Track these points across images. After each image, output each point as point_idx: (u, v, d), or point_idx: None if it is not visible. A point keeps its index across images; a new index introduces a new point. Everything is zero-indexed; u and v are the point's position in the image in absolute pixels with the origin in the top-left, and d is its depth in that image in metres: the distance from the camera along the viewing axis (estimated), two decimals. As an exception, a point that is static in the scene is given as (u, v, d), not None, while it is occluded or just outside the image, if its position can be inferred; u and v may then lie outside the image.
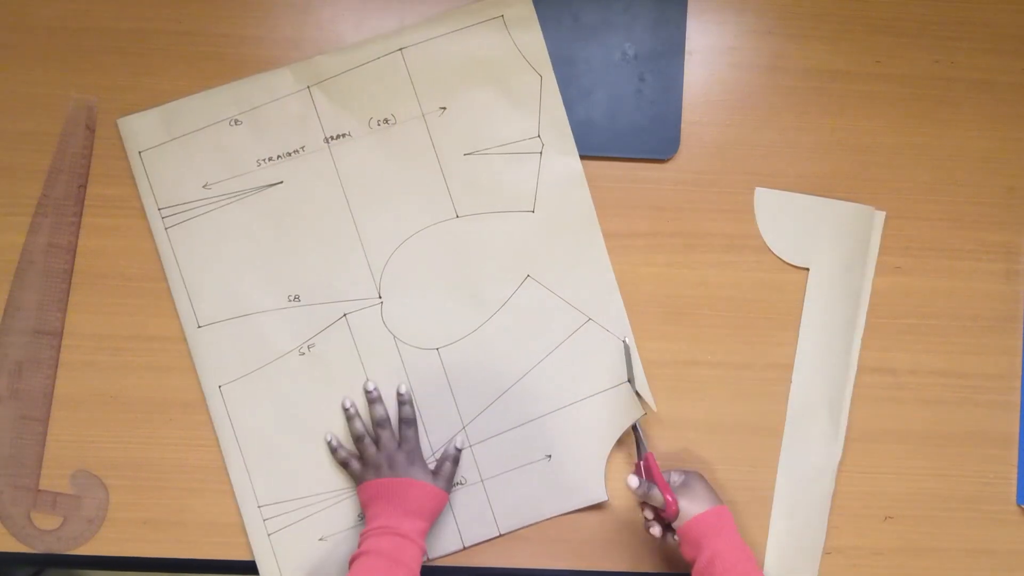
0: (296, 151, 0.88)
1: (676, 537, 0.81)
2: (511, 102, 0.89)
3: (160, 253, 0.88)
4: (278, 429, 0.87)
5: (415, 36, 0.89)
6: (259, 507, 0.87)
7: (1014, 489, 0.91)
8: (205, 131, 0.88)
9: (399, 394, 0.87)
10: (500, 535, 0.88)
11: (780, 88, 0.92)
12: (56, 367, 0.88)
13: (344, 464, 0.87)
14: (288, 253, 0.88)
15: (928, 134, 0.93)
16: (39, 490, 0.87)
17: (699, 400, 0.90)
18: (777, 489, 0.90)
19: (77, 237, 0.89)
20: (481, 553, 0.88)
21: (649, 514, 0.84)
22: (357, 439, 0.86)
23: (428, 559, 0.87)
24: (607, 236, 0.90)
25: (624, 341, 0.89)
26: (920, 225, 0.92)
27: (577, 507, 0.88)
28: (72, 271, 0.89)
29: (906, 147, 0.92)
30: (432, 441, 0.88)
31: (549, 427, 0.88)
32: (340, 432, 0.88)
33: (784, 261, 0.92)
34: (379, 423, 0.86)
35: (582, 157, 0.90)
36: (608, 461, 0.88)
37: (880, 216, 0.92)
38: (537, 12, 0.91)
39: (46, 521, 0.87)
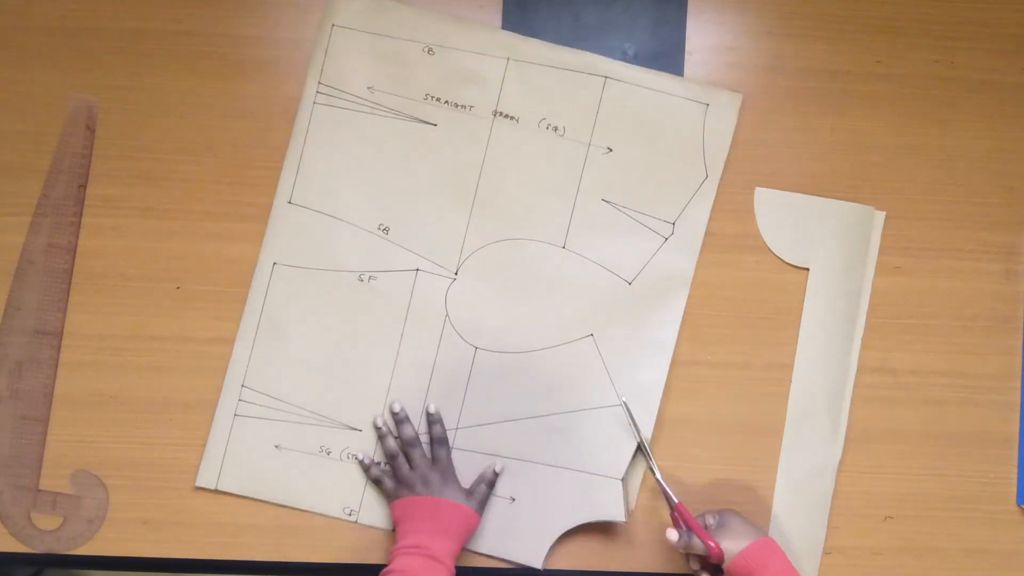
0: (464, 107, 0.89)
1: None
2: (669, 180, 0.89)
3: (295, 121, 0.88)
4: (300, 331, 0.88)
5: (624, 74, 0.89)
6: (243, 386, 0.87)
7: (1014, 489, 0.91)
8: (399, 42, 0.88)
9: (429, 413, 0.87)
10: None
11: (780, 88, 0.92)
12: (56, 367, 0.88)
13: (377, 481, 0.86)
14: (403, 188, 0.89)
15: (928, 134, 0.93)
16: (39, 490, 0.87)
17: (699, 400, 0.90)
18: (777, 489, 0.90)
19: (77, 237, 0.89)
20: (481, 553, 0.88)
21: (695, 564, 0.83)
22: (391, 457, 0.86)
23: None
24: (607, 236, 0.90)
25: (623, 402, 0.88)
26: (920, 225, 0.92)
27: (520, 556, 0.87)
28: (72, 271, 0.89)
29: (906, 147, 0.92)
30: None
31: (526, 471, 0.87)
32: (369, 449, 0.88)
33: (784, 261, 0.92)
34: (410, 443, 0.86)
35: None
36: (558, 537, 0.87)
37: (880, 216, 0.92)
38: (537, 12, 0.91)
39: (46, 521, 0.87)
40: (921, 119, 0.93)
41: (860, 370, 0.91)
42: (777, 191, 0.92)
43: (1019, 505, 0.91)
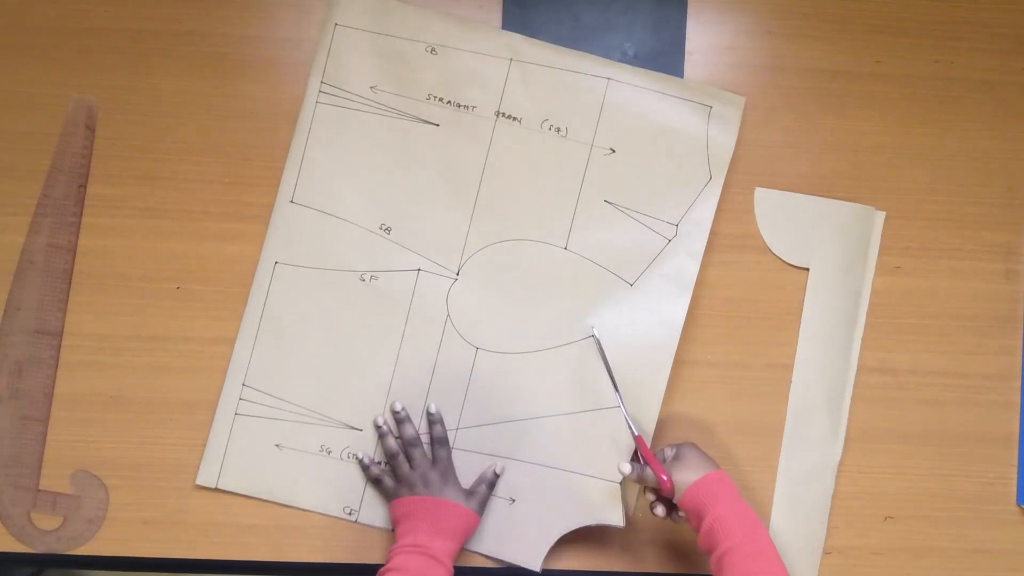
0: (467, 107, 0.89)
1: (681, 513, 0.81)
2: (672, 182, 0.89)
3: (298, 120, 0.88)
4: (301, 330, 0.88)
5: (627, 76, 0.89)
6: (244, 384, 0.87)
7: (1014, 489, 0.91)
8: (402, 42, 0.88)
9: (429, 413, 0.87)
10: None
11: (780, 88, 0.92)
12: (56, 367, 0.88)
13: (376, 481, 0.87)
14: (404, 187, 0.89)
15: (928, 134, 0.93)
16: (39, 490, 0.87)
17: (699, 400, 0.90)
18: (777, 489, 0.90)
19: (77, 237, 0.89)
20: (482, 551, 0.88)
21: (651, 496, 0.83)
22: (391, 456, 0.86)
23: None
24: (607, 236, 0.90)
25: (594, 334, 0.88)
26: (920, 225, 0.92)
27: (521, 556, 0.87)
28: (72, 271, 0.89)
29: (906, 147, 0.92)
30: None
31: (526, 472, 0.87)
32: (370, 449, 0.88)
33: (784, 261, 0.92)
34: (410, 442, 0.86)
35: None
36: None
37: (880, 216, 0.92)
38: (537, 12, 0.91)
39: (46, 521, 0.87)
40: (921, 119, 0.93)
41: (860, 370, 0.91)
42: (777, 191, 0.92)
43: (1019, 505, 0.91)
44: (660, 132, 0.89)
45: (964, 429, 0.91)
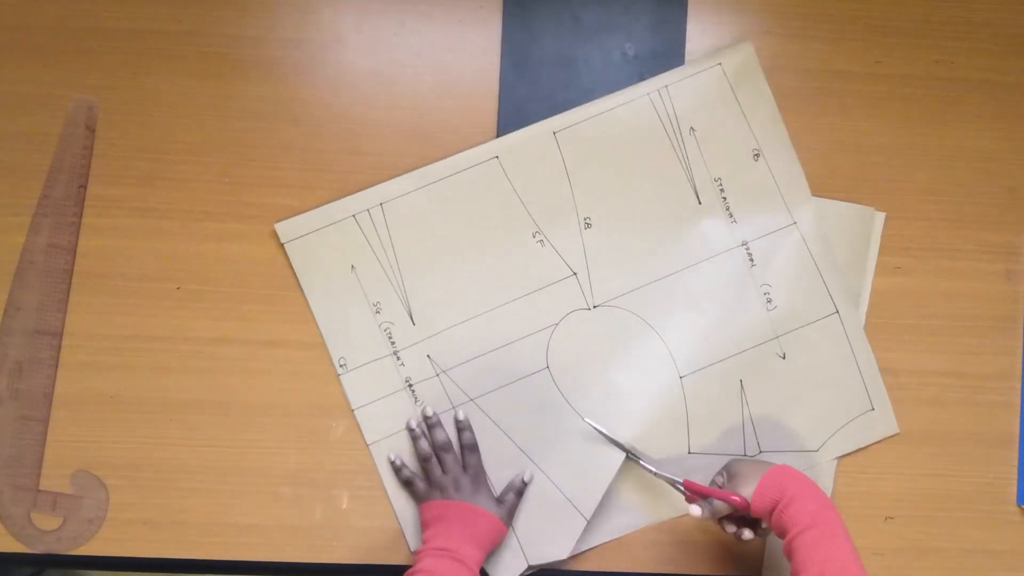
0: (732, 215, 0.90)
1: (764, 525, 0.80)
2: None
3: (612, 94, 0.90)
4: (451, 223, 0.89)
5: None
6: (380, 204, 0.89)
7: (1014, 489, 0.91)
8: (741, 121, 0.90)
9: (458, 420, 0.87)
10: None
11: (780, 88, 0.92)
12: (56, 367, 0.88)
13: (408, 483, 0.87)
14: (629, 212, 0.90)
15: (928, 134, 0.93)
16: (39, 490, 0.87)
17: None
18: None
19: (77, 237, 0.89)
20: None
21: (731, 527, 0.82)
22: (424, 459, 0.86)
23: None
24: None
25: (592, 424, 0.87)
26: (920, 225, 0.92)
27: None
28: (72, 271, 0.89)
29: (906, 147, 0.92)
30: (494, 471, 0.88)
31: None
32: (404, 453, 0.88)
33: (784, 261, 0.91)
34: (442, 447, 0.86)
35: (583, 157, 0.90)
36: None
37: (880, 217, 0.92)
38: (537, 12, 0.91)
39: (46, 521, 0.87)
40: (921, 119, 0.93)
41: (860, 370, 0.91)
42: (777, 191, 0.92)
43: (1019, 505, 0.91)
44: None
45: (964, 429, 0.91)
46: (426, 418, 0.87)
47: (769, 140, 0.90)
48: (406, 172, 0.89)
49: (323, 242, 0.88)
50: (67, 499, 0.87)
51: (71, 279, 0.89)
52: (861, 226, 0.92)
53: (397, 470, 0.87)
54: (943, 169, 0.93)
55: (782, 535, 0.75)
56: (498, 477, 0.88)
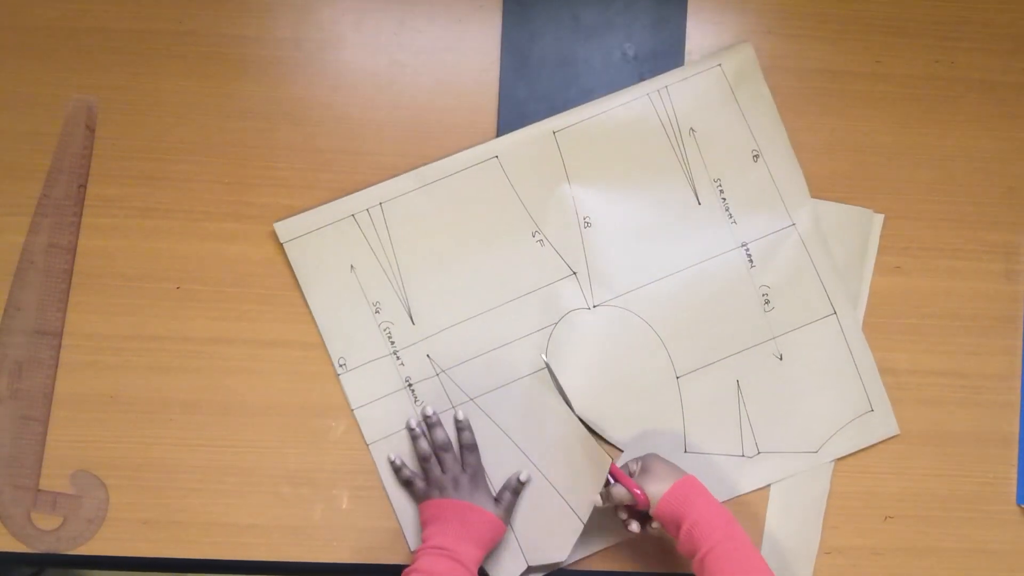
0: (731, 216, 0.90)
1: (655, 525, 0.81)
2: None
3: (613, 94, 0.90)
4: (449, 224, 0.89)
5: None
6: (380, 203, 0.89)
7: (1014, 489, 0.91)
8: (740, 123, 0.90)
9: (457, 420, 0.87)
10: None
11: (780, 88, 0.92)
12: (56, 367, 0.88)
13: (408, 483, 0.87)
14: (630, 211, 0.89)
15: (928, 134, 0.93)
16: (39, 490, 0.87)
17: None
18: (772, 491, 0.90)
19: (77, 237, 0.89)
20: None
21: (623, 514, 0.83)
22: (423, 458, 0.86)
23: None
24: (607, 236, 0.90)
25: (546, 362, 0.88)
26: (920, 225, 0.92)
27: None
28: (72, 271, 0.89)
29: (906, 147, 0.92)
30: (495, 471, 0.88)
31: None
32: (404, 453, 0.88)
33: (784, 261, 0.91)
34: (441, 446, 0.86)
35: (583, 157, 0.90)
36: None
37: (879, 219, 0.92)
38: (537, 12, 0.91)
39: (46, 521, 0.87)
40: (921, 119, 0.93)
41: (860, 370, 0.91)
42: (777, 191, 0.92)
43: (1019, 505, 0.91)
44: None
45: (964, 429, 0.91)
46: (426, 417, 0.87)
47: (768, 141, 0.90)
48: (406, 172, 0.89)
49: (322, 242, 0.88)
50: (67, 499, 0.87)
51: (71, 279, 0.89)
52: (860, 228, 0.92)
53: (397, 470, 0.87)
54: (943, 169, 0.93)
55: (692, 553, 0.76)
56: (497, 476, 0.88)
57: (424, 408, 0.87)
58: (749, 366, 0.89)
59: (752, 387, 0.89)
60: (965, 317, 0.92)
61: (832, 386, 0.90)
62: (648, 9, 0.92)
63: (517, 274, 0.89)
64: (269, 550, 0.88)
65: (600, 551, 0.89)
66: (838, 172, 0.92)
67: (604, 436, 0.87)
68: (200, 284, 0.89)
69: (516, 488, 0.86)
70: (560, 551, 0.86)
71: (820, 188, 0.91)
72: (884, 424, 0.90)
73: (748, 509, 0.89)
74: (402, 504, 0.88)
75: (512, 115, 0.91)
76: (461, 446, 0.86)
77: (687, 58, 0.91)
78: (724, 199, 0.90)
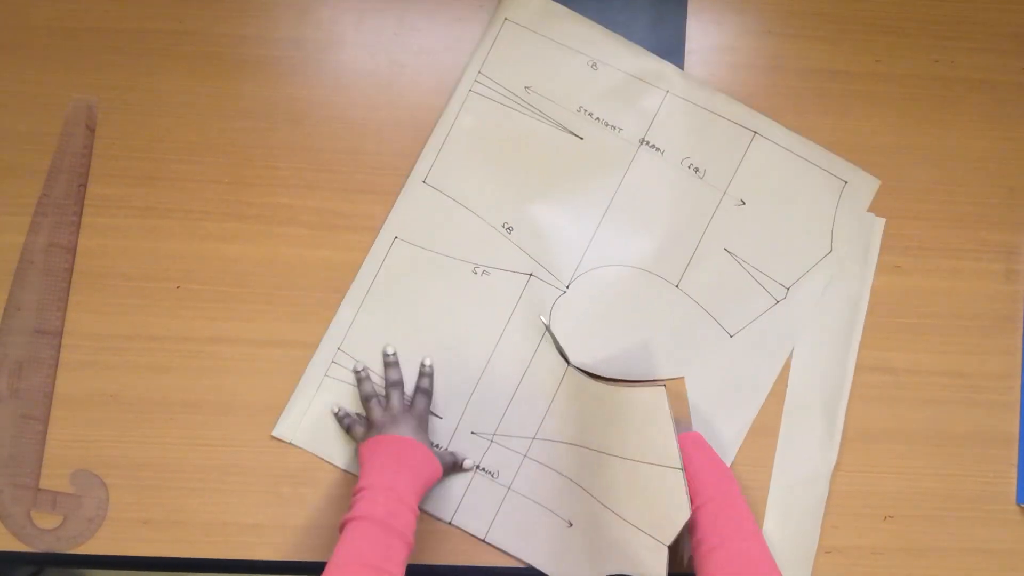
0: (614, 127, 0.89)
1: None
2: (794, 245, 0.90)
3: (447, 105, 0.90)
4: (406, 309, 0.88)
5: (774, 134, 0.90)
6: (339, 348, 0.88)
7: (1014, 489, 0.91)
8: (564, 50, 0.89)
9: (422, 365, 0.87)
10: (483, 540, 0.87)
11: (780, 88, 0.92)
12: (56, 367, 0.88)
13: (348, 429, 0.86)
14: (535, 191, 0.89)
15: (928, 134, 0.93)
16: (39, 489, 0.87)
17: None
18: (771, 492, 0.90)
19: (77, 237, 0.89)
20: (472, 549, 0.88)
21: None
22: (365, 399, 0.86)
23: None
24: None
25: (546, 325, 0.88)
26: (920, 225, 0.92)
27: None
28: (72, 271, 0.89)
29: (906, 147, 0.92)
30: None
31: (588, 502, 0.85)
32: (348, 404, 0.88)
33: (784, 261, 0.91)
34: (393, 384, 0.86)
35: (582, 157, 0.90)
36: None
37: (880, 222, 0.92)
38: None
39: (46, 520, 0.87)
40: (921, 119, 0.93)
41: (859, 369, 0.91)
42: (777, 191, 0.92)
43: (1019, 505, 0.91)
44: (793, 194, 0.90)
45: (964, 429, 0.91)
46: (385, 356, 0.87)
47: (598, 51, 0.89)
48: (381, 226, 0.89)
49: (317, 419, 0.88)
50: (67, 498, 0.87)
51: (71, 278, 0.89)
52: (861, 231, 0.91)
53: (339, 419, 0.87)
54: (943, 169, 0.93)
55: None
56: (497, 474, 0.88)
57: (385, 347, 0.87)
58: (723, 225, 0.89)
59: (735, 245, 0.90)
60: (965, 317, 0.92)
61: (801, 189, 0.90)
62: (648, 9, 0.92)
63: (485, 312, 0.89)
64: (269, 550, 0.88)
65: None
66: (838, 172, 0.92)
67: (604, 376, 0.87)
68: (200, 284, 0.89)
69: (455, 462, 0.86)
70: (483, 526, 0.87)
71: (820, 188, 0.91)
72: (866, 184, 0.91)
73: (748, 509, 0.89)
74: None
75: (512, 115, 0.91)
76: (417, 389, 0.86)
77: (687, 58, 0.91)
78: (598, 119, 0.89)
